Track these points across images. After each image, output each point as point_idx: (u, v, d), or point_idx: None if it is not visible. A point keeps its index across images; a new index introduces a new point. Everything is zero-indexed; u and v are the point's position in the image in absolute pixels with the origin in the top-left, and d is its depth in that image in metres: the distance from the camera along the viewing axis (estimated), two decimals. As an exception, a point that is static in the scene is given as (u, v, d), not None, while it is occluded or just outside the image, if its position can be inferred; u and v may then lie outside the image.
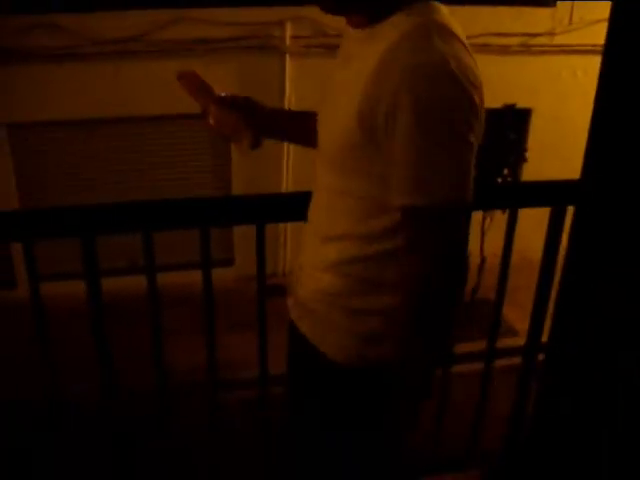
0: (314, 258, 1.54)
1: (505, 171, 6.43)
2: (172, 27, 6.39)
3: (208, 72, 6.83)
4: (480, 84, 1.27)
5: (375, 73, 1.26)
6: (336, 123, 1.38)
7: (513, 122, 6.56)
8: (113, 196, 6.84)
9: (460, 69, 1.21)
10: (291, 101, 6.86)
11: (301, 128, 1.69)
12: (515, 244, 2.10)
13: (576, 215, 1.96)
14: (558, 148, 7.05)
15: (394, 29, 1.28)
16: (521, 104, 6.98)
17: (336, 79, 1.45)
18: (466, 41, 1.29)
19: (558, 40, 7.37)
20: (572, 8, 7.32)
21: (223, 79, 6.35)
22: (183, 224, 2.19)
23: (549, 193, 2.12)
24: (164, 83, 6.52)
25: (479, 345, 2.54)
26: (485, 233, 6.22)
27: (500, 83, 7.03)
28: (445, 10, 1.32)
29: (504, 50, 7.05)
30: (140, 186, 7.19)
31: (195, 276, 2.01)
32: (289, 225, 6.42)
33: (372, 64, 1.27)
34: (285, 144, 6.39)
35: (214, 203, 2.04)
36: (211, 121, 1.63)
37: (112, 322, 2.05)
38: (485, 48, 6.82)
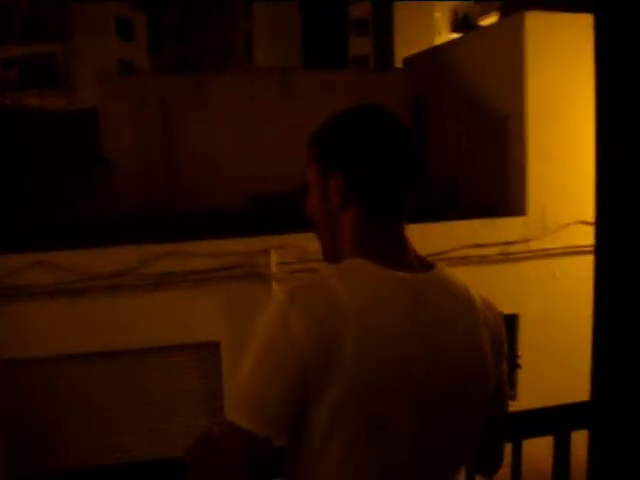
0: None
1: (499, 379, 6.38)
2: (162, 260, 6.61)
3: (196, 303, 7.00)
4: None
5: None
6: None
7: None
8: (105, 432, 6.70)
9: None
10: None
11: None
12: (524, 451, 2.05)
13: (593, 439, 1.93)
14: (549, 350, 7.08)
15: None
16: (507, 311, 7.10)
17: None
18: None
19: (534, 246, 7.66)
20: (543, 214, 7.69)
21: (211, 309, 6.51)
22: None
23: (552, 419, 2.09)
24: (156, 315, 6.74)
25: None
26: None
27: (484, 292, 7.20)
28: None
29: (484, 260, 7.31)
30: (136, 418, 7.07)
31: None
32: None
33: None
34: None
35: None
36: None
37: None
38: (466, 260, 7.08)
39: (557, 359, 7.06)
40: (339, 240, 1.39)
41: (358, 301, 1.25)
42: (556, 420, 2.08)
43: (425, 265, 1.40)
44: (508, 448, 2.05)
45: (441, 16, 34.69)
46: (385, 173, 1.36)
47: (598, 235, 1.89)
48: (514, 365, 6.68)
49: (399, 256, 1.35)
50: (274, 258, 6.83)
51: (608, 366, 1.88)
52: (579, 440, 2.10)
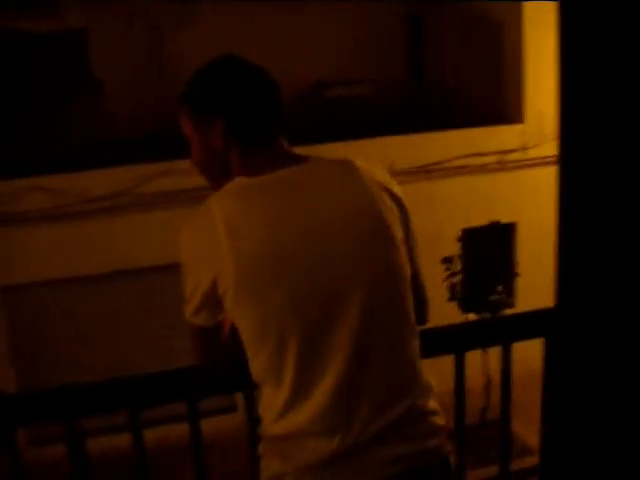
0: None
1: (499, 287, 6.45)
2: (157, 180, 6.58)
3: None
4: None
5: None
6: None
7: (500, 238, 6.67)
8: (110, 356, 6.81)
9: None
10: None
11: None
12: (519, 355, 2.07)
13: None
14: (547, 258, 7.10)
15: None
16: (504, 219, 7.12)
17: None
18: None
19: (532, 154, 7.61)
20: (541, 122, 7.60)
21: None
22: (169, 399, 2.12)
23: (539, 322, 2.11)
24: (154, 234, 6.74)
25: (493, 470, 2.45)
26: (487, 351, 6.15)
27: (482, 202, 7.21)
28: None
29: (482, 169, 7.27)
30: (136, 339, 7.16)
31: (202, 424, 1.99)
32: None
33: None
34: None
35: (200, 373, 1.97)
36: None
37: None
38: (464, 169, 7.04)
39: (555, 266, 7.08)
40: (231, 174, 1.62)
41: (229, 214, 1.52)
42: (545, 322, 2.10)
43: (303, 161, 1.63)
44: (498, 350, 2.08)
45: None
46: (256, 113, 1.62)
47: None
48: (513, 272, 6.74)
49: (276, 164, 1.59)
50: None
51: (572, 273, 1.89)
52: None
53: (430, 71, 9.24)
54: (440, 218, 6.82)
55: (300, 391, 1.57)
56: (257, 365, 1.61)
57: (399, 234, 1.60)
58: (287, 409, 1.59)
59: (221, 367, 1.79)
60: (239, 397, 7.27)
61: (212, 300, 1.57)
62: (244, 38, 8.60)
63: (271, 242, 1.51)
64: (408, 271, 1.62)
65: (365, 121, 7.58)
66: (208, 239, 1.53)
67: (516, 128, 7.60)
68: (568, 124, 1.80)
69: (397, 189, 1.64)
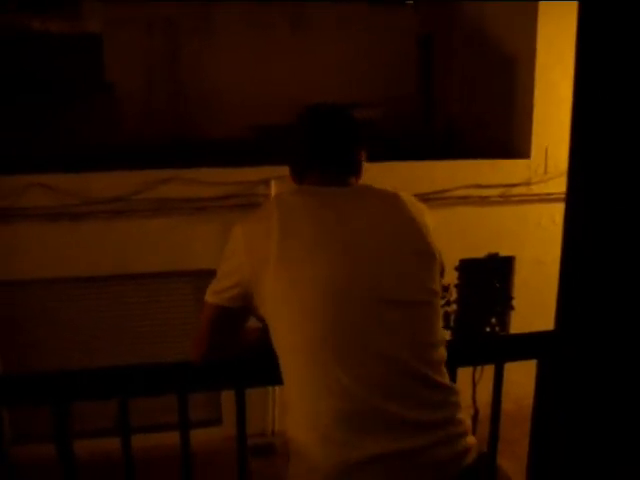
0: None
1: (493, 320, 6.44)
2: (162, 186, 6.58)
3: (194, 230, 6.96)
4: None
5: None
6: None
7: (497, 271, 6.67)
8: (104, 355, 6.77)
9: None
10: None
11: None
12: (510, 392, 2.07)
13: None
14: (543, 294, 7.05)
15: None
16: (504, 253, 7.12)
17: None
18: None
19: (535, 189, 7.63)
20: (546, 158, 7.63)
21: (209, 237, 6.48)
22: (159, 391, 2.15)
23: (534, 344, 2.11)
24: (153, 241, 6.74)
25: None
26: (477, 383, 6.13)
27: (482, 233, 7.22)
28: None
29: (484, 201, 7.28)
30: (131, 344, 7.13)
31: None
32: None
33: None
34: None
35: (192, 368, 2.00)
36: None
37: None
38: (466, 200, 7.06)
39: (551, 302, 7.06)
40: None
41: (284, 217, 1.70)
42: (538, 345, 2.11)
43: None
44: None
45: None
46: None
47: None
48: (508, 306, 6.73)
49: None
50: (274, 188, 6.78)
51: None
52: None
53: (439, 101, 9.28)
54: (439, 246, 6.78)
55: (331, 393, 1.58)
56: (288, 364, 1.66)
57: (438, 257, 1.78)
58: (315, 411, 1.60)
59: (217, 360, 1.86)
60: (225, 409, 7.19)
61: (243, 286, 1.71)
62: (257, 53, 8.67)
63: (318, 243, 1.67)
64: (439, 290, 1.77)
65: (372, 145, 7.59)
66: (261, 230, 1.70)
67: (522, 163, 7.62)
68: (578, 157, 1.82)
69: (430, 220, 1.84)
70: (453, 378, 1.87)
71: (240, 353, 1.86)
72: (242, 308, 1.75)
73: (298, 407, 1.65)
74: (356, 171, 1.91)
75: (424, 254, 1.75)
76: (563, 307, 1.93)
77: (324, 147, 1.88)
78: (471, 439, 1.70)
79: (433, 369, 1.67)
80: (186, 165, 6.59)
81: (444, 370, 1.71)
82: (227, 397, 7.05)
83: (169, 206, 6.60)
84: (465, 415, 1.72)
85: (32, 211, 6.45)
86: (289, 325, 1.65)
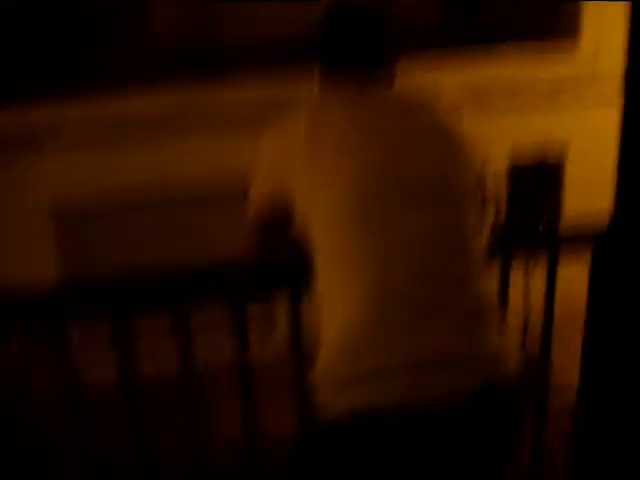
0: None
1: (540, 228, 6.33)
2: (204, 104, 6.52)
3: (239, 149, 6.74)
4: None
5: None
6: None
7: (546, 178, 6.53)
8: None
9: None
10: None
11: None
12: (559, 291, 2.04)
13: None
14: (593, 199, 6.95)
15: None
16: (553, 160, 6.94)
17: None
18: None
19: (582, 91, 7.35)
20: (596, 57, 7.32)
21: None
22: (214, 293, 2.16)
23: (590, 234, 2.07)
24: (200, 162, 6.67)
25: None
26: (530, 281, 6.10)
27: (531, 135, 7.04)
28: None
29: (531, 99, 7.02)
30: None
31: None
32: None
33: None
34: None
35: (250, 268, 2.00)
36: None
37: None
38: (511, 92, 6.77)
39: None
40: None
41: (315, 107, 1.78)
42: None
43: None
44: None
45: None
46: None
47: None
48: (557, 214, 6.63)
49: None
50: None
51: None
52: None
53: None
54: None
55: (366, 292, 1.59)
56: (326, 256, 1.68)
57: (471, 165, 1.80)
58: (354, 313, 1.59)
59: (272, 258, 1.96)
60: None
61: (278, 183, 1.79)
62: None
63: (350, 133, 1.70)
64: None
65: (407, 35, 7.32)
66: (293, 128, 1.76)
67: (568, 63, 7.31)
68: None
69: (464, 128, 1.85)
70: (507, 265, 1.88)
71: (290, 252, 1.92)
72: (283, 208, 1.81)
73: (330, 302, 1.64)
74: (388, 66, 1.91)
75: (459, 161, 1.75)
76: (620, 200, 1.88)
77: (349, 43, 1.86)
78: (513, 339, 1.68)
79: (468, 264, 1.64)
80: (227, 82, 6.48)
81: (482, 268, 1.68)
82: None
83: (213, 124, 6.52)
84: (509, 314, 1.72)
85: (74, 138, 6.43)
86: (321, 213, 1.68)
